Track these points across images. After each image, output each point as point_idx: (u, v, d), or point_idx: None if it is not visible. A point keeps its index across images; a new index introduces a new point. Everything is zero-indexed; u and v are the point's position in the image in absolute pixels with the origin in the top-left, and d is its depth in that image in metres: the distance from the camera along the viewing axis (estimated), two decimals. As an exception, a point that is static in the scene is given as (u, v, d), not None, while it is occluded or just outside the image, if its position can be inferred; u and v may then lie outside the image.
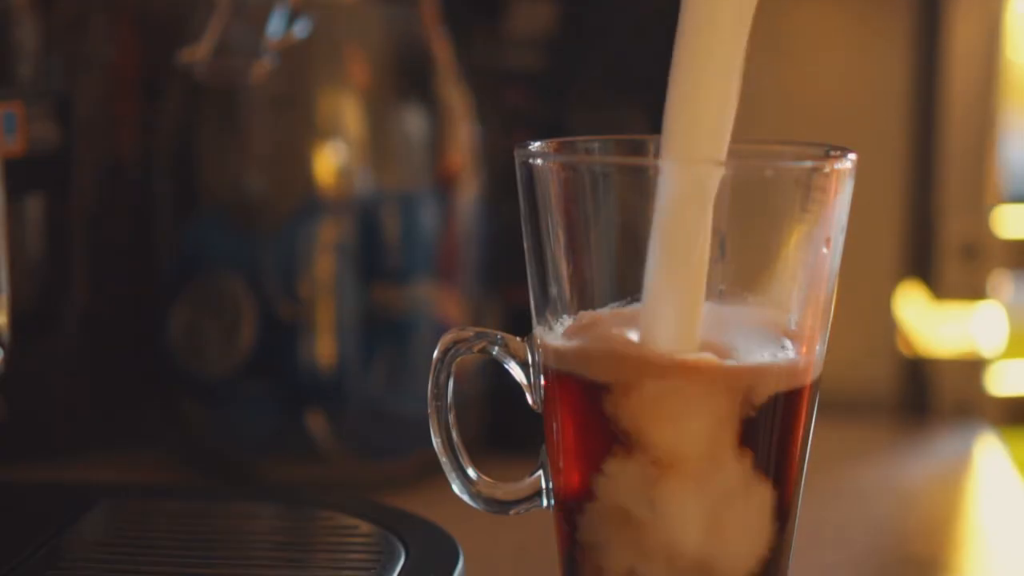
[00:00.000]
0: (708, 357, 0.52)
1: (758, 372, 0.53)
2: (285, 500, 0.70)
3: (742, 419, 0.53)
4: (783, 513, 0.55)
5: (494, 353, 0.57)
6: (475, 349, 0.57)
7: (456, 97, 0.81)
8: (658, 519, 0.53)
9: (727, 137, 0.53)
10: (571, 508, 0.55)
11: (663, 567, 0.53)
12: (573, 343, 0.54)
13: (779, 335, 0.54)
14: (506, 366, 0.57)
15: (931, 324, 0.98)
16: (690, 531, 0.53)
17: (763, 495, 0.54)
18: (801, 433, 0.55)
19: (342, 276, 0.78)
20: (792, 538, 0.56)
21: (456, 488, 0.58)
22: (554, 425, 0.56)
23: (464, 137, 0.82)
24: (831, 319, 0.56)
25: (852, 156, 0.54)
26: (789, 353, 0.54)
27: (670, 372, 0.52)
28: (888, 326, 0.99)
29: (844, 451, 0.89)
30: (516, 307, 0.80)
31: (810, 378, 0.54)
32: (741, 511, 0.54)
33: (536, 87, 0.86)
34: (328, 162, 0.78)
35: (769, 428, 0.53)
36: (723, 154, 0.53)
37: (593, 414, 0.53)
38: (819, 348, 0.55)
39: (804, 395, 0.54)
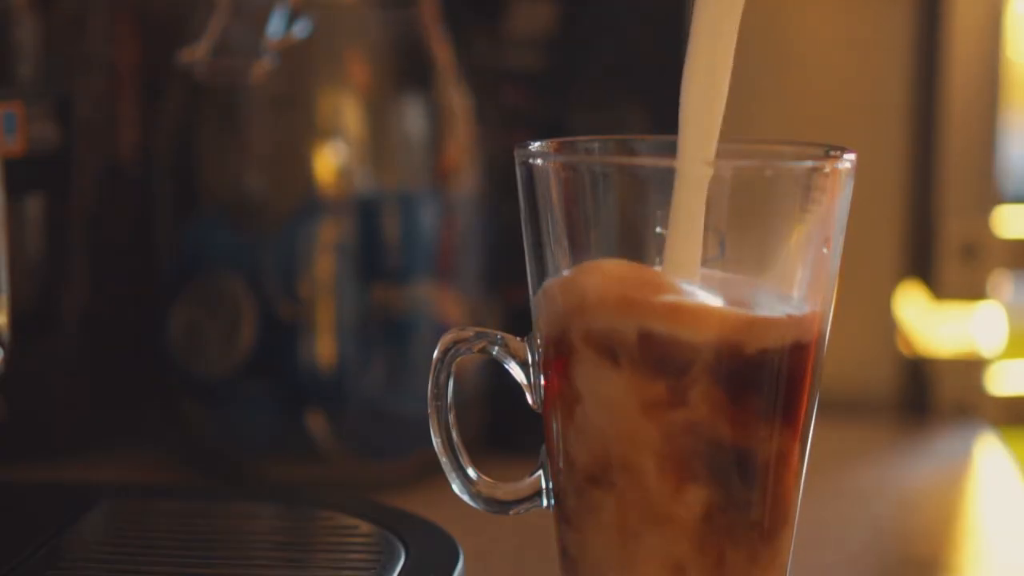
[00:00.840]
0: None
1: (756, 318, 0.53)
2: (285, 500, 0.70)
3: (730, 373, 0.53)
4: (781, 518, 0.55)
5: (494, 353, 0.57)
6: (475, 349, 0.57)
7: (456, 97, 0.82)
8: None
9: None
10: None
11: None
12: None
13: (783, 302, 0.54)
14: (506, 366, 0.57)
15: (931, 324, 0.98)
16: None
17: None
18: (800, 430, 0.55)
19: (342, 276, 0.78)
20: (791, 538, 0.56)
21: (456, 488, 0.58)
22: (553, 425, 0.56)
23: (464, 137, 0.82)
24: (831, 319, 0.56)
25: (852, 156, 0.54)
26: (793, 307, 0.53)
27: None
28: (888, 326, 0.99)
29: (844, 451, 0.89)
30: (516, 307, 0.80)
31: (814, 335, 0.54)
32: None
33: (536, 87, 0.86)
34: (328, 162, 0.78)
35: (773, 387, 0.53)
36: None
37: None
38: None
39: (806, 362, 0.54)
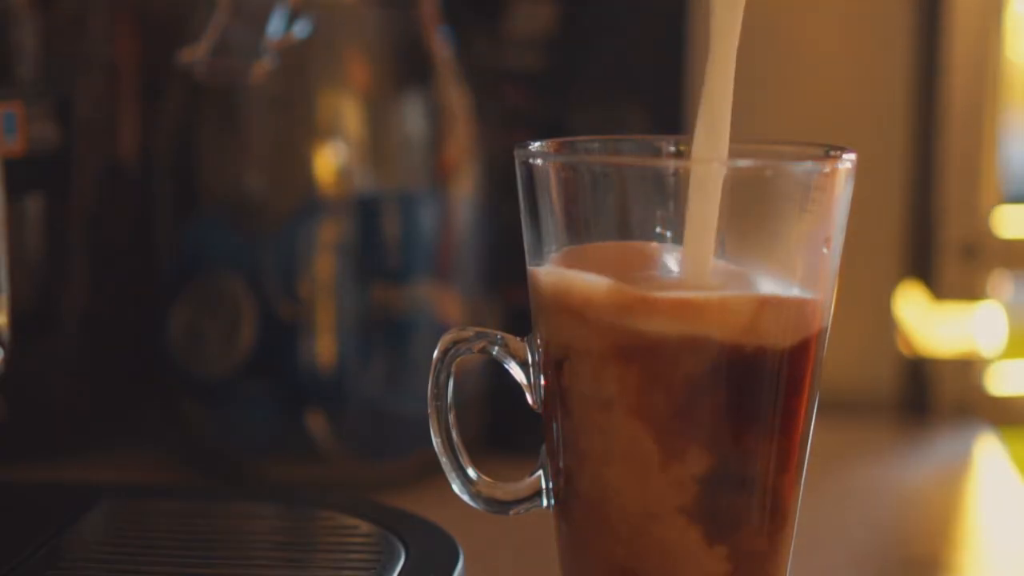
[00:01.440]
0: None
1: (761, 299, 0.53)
2: (285, 500, 0.70)
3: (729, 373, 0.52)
4: (781, 512, 0.55)
5: (494, 353, 0.57)
6: (475, 349, 0.57)
7: (456, 97, 0.82)
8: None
9: None
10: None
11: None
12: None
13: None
14: (506, 366, 0.57)
15: (931, 324, 0.98)
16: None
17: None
18: (801, 428, 0.55)
19: (342, 276, 0.78)
20: (791, 538, 0.56)
21: (456, 488, 0.58)
22: (553, 425, 0.56)
23: (464, 137, 0.82)
24: (831, 319, 0.56)
25: (852, 156, 0.54)
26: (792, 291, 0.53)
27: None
28: (888, 326, 0.99)
29: (844, 451, 0.89)
30: (516, 307, 0.80)
31: (815, 330, 0.54)
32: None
33: (536, 87, 0.86)
34: (328, 162, 0.78)
35: (773, 384, 0.53)
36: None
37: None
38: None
39: (807, 359, 0.54)
